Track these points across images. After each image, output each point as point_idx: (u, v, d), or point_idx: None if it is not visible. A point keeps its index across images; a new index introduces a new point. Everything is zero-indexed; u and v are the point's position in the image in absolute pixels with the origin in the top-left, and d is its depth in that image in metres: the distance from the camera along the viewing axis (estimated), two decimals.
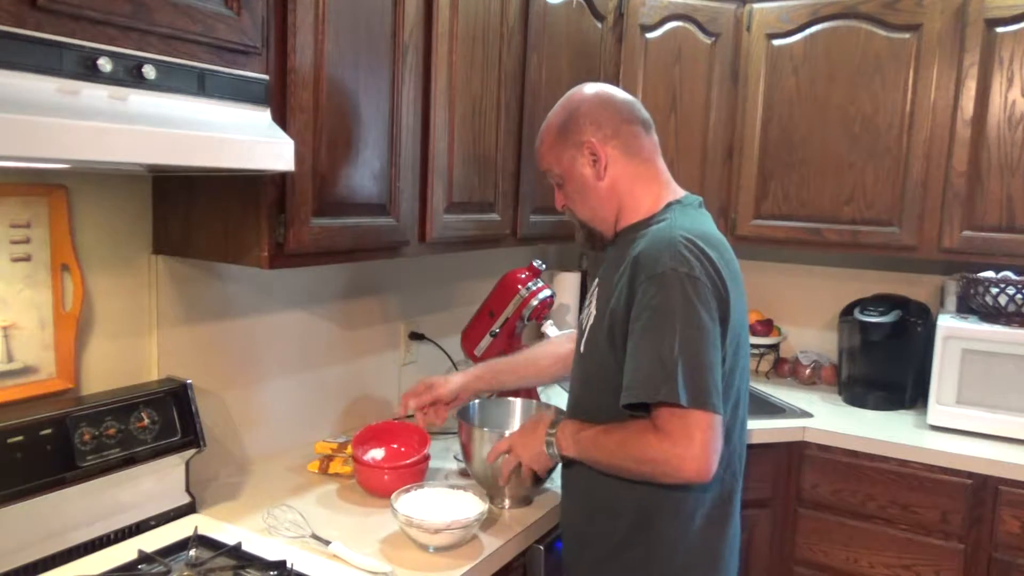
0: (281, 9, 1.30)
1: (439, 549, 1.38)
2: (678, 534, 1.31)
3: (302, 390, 1.92)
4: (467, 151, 1.80)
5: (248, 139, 1.14)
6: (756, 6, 2.53)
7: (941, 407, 2.24)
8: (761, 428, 2.23)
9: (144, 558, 1.29)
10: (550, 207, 2.11)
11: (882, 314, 2.44)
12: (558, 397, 2.29)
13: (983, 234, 2.26)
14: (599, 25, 2.35)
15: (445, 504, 1.47)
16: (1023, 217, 2.21)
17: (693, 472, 1.17)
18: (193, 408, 1.47)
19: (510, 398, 1.84)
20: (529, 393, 2.01)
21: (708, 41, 2.55)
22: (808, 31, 2.47)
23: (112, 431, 1.34)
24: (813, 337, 2.87)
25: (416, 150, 1.66)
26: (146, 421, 1.39)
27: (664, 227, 1.29)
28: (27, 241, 1.33)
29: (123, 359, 1.51)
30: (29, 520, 1.23)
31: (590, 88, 1.42)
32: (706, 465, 1.17)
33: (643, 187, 1.38)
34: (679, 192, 1.41)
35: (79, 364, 1.43)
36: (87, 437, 1.30)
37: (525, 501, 1.61)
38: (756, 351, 2.84)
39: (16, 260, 1.32)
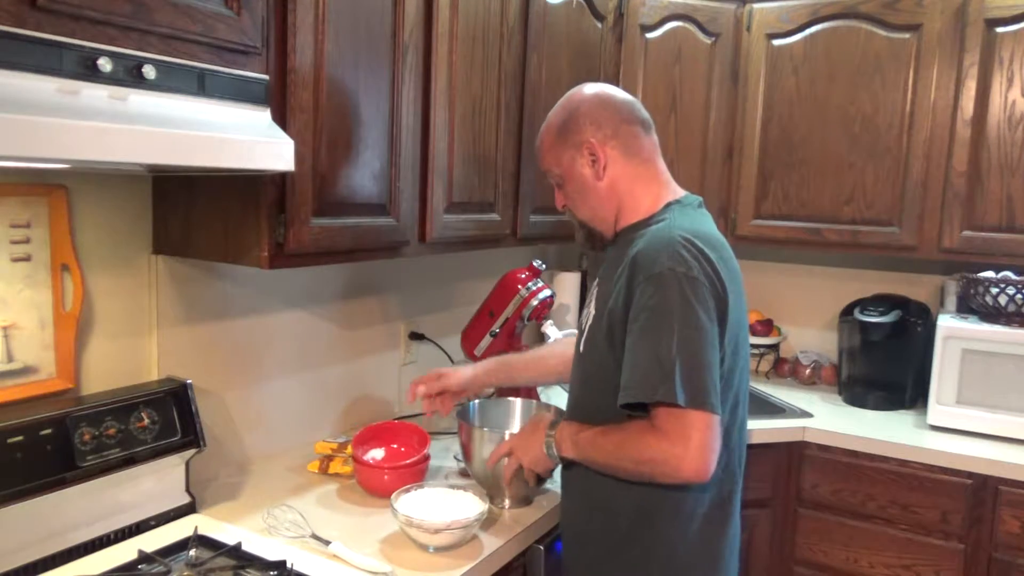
0: (281, 9, 1.30)
1: (439, 549, 1.38)
2: (677, 534, 1.31)
3: (302, 390, 1.92)
4: (467, 151, 1.80)
5: (248, 139, 1.14)
6: (756, 6, 2.53)
7: (941, 407, 2.24)
8: (761, 428, 2.23)
9: (144, 558, 1.29)
10: (550, 207, 2.11)
11: (882, 314, 2.44)
12: (558, 397, 2.29)
13: (983, 234, 2.26)
14: (599, 25, 2.35)
15: (445, 504, 1.47)
16: (1023, 217, 2.21)
17: (691, 472, 1.17)
18: (193, 408, 1.47)
19: (510, 398, 1.84)
20: (529, 393, 2.02)
21: (708, 41, 2.55)
22: (808, 31, 2.47)
23: (112, 431, 1.34)
24: (813, 337, 2.87)
25: (416, 150, 1.66)
26: (146, 421, 1.39)
27: (663, 227, 1.29)
28: (27, 241, 1.33)
29: (123, 359, 1.51)
30: (29, 520, 1.23)
31: (590, 88, 1.42)
32: (704, 465, 1.17)
33: (643, 187, 1.38)
34: (679, 192, 1.41)
35: (79, 364, 1.43)
36: (87, 437, 1.30)
37: (525, 501, 1.61)
38: (756, 351, 2.84)
39: (16, 260, 1.32)
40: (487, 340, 2.02)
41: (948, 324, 2.23)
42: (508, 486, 1.55)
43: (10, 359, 1.32)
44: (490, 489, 1.59)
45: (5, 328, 1.31)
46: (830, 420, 2.32)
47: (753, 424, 2.21)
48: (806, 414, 2.37)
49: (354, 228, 1.51)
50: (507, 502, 1.59)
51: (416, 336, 2.24)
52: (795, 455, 2.27)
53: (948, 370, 2.22)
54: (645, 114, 1.42)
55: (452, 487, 1.53)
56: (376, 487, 1.60)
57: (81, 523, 1.31)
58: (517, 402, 1.83)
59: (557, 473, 1.52)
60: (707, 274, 1.21)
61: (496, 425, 1.78)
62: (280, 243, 1.36)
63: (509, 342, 2.02)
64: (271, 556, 1.30)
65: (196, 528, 1.38)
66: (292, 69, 1.33)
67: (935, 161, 2.31)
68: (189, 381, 1.49)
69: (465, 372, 1.71)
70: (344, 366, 2.04)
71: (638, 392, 1.20)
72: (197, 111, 1.11)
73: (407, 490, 1.49)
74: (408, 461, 1.64)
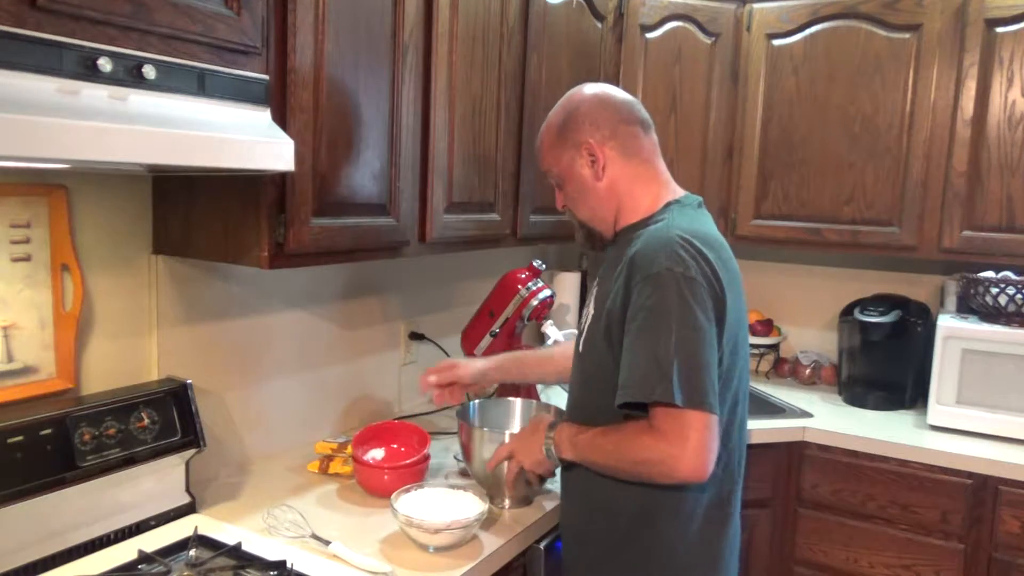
0: (281, 9, 1.30)
1: (439, 549, 1.38)
2: (677, 534, 1.31)
3: (302, 390, 1.92)
4: (467, 151, 1.80)
5: (248, 139, 1.14)
6: (756, 6, 2.53)
7: (941, 407, 2.24)
8: (761, 428, 2.23)
9: (144, 558, 1.29)
10: (550, 207, 2.11)
11: (882, 314, 2.44)
12: (558, 397, 2.29)
13: (983, 234, 2.26)
14: (599, 25, 2.35)
15: (445, 504, 1.47)
16: (1023, 217, 2.21)
17: (689, 472, 1.17)
18: (193, 408, 1.47)
19: (510, 398, 1.84)
20: (529, 393, 2.02)
21: (708, 41, 2.55)
22: (808, 31, 2.47)
23: (112, 431, 1.34)
24: (813, 337, 2.87)
25: (416, 150, 1.66)
26: (146, 421, 1.39)
27: (661, 227, 1.29)
28: (27, 241, 1.33)
29: (123, 359, 1.51)
30: (29, 520, 1.23)
31: (589, 88, 1.42)
32: (702, 465, 1.17)
33: (642, 187, 1.38)
34: (678, 192, 1.41)
35: (79, 364, 1.43)
36: (87, 437, 1.30)
37: (525, 501, 1.61)
38: (756, 351, 2.84)
39: (16, 260, 1.32)
40: (487, 340, 2.02)
41: (948, 324, 2.23)
42: (510, 488, 1.55)
43: (10, 359, 1.32)
44: (490, 489, 1.59)
45: (5, 328, 1.31)
46: (830, 420, 2.32)
47: (753, 424, 2.21)
48: (806, 414, 2.37)
49: (354, 228, 1.51)
50: (507, 502, 1.59)
51: (416, 336, 2.24)
52: (795, 455, 2.27)
53: (948, 370, 2.22)
54: (645, 114, 1.42)
55: (452, 487, 1.53)
56: (376, 487, 1.60)
57: (81, 523, 1.31)
58: (517, 402, 1.83)
59: (557, 473, 1.52)
60: (705, 274, 1.21)
61: (496, 425, 1.78)
62: (280, 243, 1.36)
63: (509, 342, 2.02)
64: (271, 556, 1.30)
65: (196, 528, 1.38)
66: (292, 69, 1.33)
67: (935, 161, 2.31)
68: (189, 381, 1.49)
69: (476, 365, 1.72)
70: (344, 366, 2.04)
71: (636, 392, 1.20)
72: (197, 111, 1.11)
73: (407, 490, 1.49)
74: (408, 461, 1.64)
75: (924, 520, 2.12)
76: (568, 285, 2.79)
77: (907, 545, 2.14)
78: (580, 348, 1.41)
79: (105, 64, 1.00)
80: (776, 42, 2.51)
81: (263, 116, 1.22)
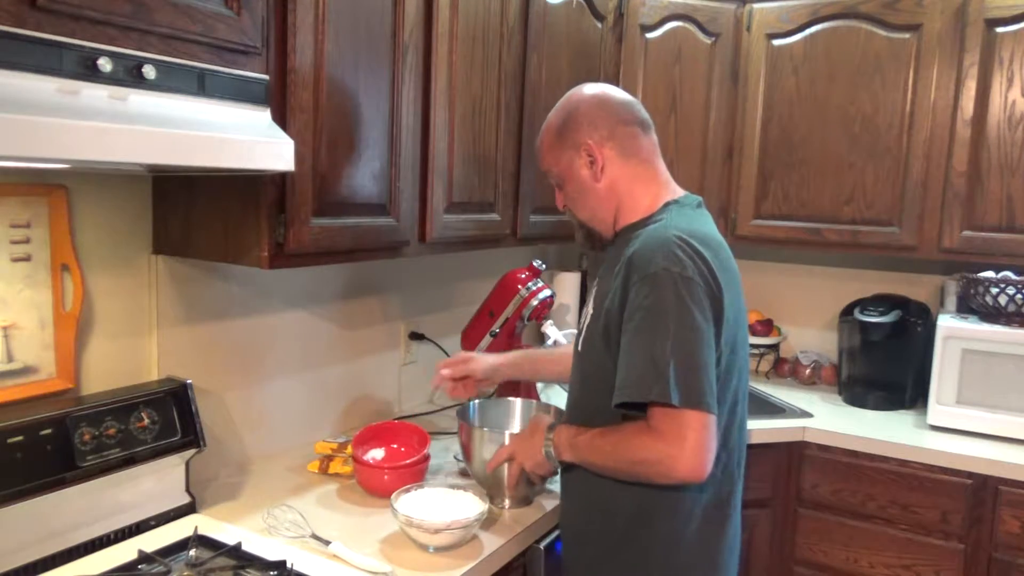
0: (281, 9, 1.30)
1: (439, 549, 1.38)
2: (675, 534, 1.31)
3: (302, 390, 1.92)
4: (467, 151, 1.80)
5: (248, 139, 1.14)
6: (756, 6, 2.53)
7: (941, 407, 2.24)
8: (761, 428, 2.23)
9: (144, 558, 1.29)
10: (550, 207, 2.12)
11: (882, 314, 2.44)
12: (558, 397, 2.29)
13: (983, 234, 2.26)
14: (599, 25, 2.35)
15: (445, 504, 1.47)
16: (1023, 217, 2.21)
17: (687, 472, 1.17)
18: (193, 408, 1.47)
19: (510, 398, 1.84)
20: (529, 392, 2.02)
21: (708, 41, 2.55)
22: (808, 31, 2.47)
23: (112, 431, 1.34)
24: (813, 337, 2.87)
25: (416, 150, 1.66)
26: (146, 421, 1.39)
27: (659, 227, 1.29)
28: (27, 241, 1.33)
29: (123, 359, 1.51)
30: (29, 520, 1.23)
31: (588, 89, 1.42)
32: (700, 465, 1.17)
33: (641, 188, 1.38)
34: (678, 192, 1.41)
35: (79, 364, 1.43)
36: (87, 437, 1.30)
37: (525, 501, 1.61)
38: (756, 351, 2.84)
39: (16, 260, 1.32)
40: (487, 340, 2.02)
41: (948, 324, 2.23)
42: (511, 489, 1.55)
43: (10, 359, 1.32)
44: (490, 489, 1.59)
45: (5, 328, 1.31)
46: (830, 420, 2.32)
47: (753, 424, 2.21)
48: (806, 414, 2.37)
49: (354, 228, 1.51)
50: (507, 502, 1.59)
51: (416, 336, 2.24)
52: (795, 455, 2.27)
53: (948, 370, 2.22)
54: (644, 114, 1.41)
55: (452, 487, 1.53)
56: (376, 487, 1.60)
57: (81, 523, 1.31)
58: (517, 402, 1.83)
59: (558, 473, 1.52)
60: (702, 273, 1.21)
61: (496, 425, 1.78)
62: (280, 243, 1.36)
63: (509, 342, 2.02)
64: (271, 556, 1.30)
65: (196, 528, 1.38)
66: (292, 69, 1.33)
67: (935, 161, 2.31)
68: (189, 381, 1.49)
69: (490, 360, 1.73)
70: (344, 366, 2.04)
71: (633, 392, 1.20)
72: (197, 111, 1.11)
73: (407, 490, 1.49)
74: (408, 461, 1.64)
75: (924, 520, 2.12)
76: (568, 285, 2.79)
77: (907, 545, 2.14)
78: (579, 348, 1.41)
79: (105, 64, 1.00)
80: (776, 42, 2.51)
81: (263, 116, 1.22)
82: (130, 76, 1.03)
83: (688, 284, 1.19)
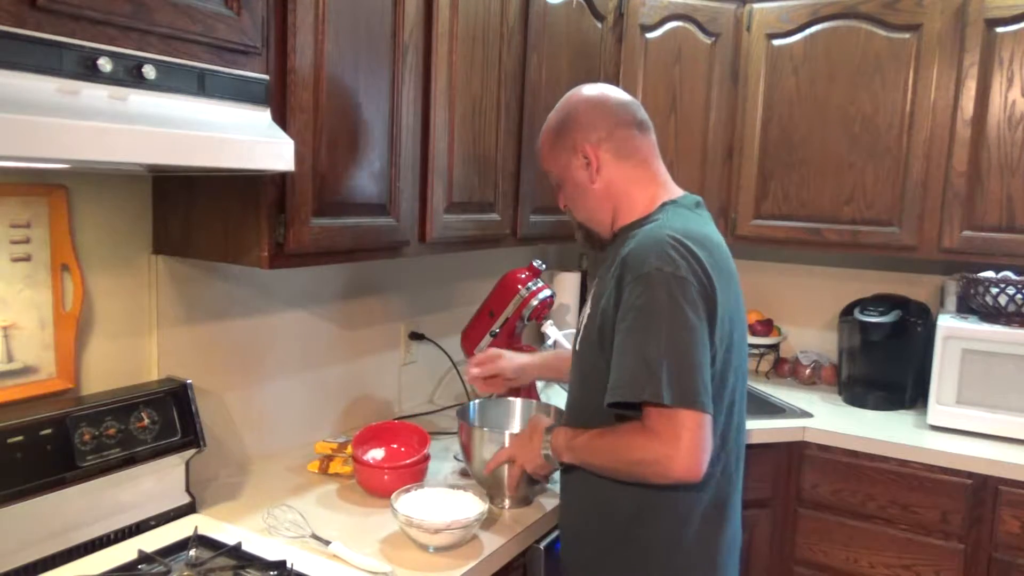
0: (281, 9, 1.30)
1: (439, 549, 1.38)
2: (674, 535, 1.31)
3: (302, 390, 1.92)
4: (467, 151, 1.80)
5: (248, 139, 1.14)
6: (756, 6, 2.53)
7: (941, 407, 2.24)
8: (761, 428, 2.23)
9: (144, 558, 1.29)
10: (550, 207, 2.12)
11: (882, 314, 2.44)
12: (558, 397, 2.29)
13: (983, 234, 2.26)
14: (599, 25, 2.35)
15: (445, 504, 1.47)
16: (1023, 217, 2.21)
17: (682, 471, 1.17)
18: (193, 408, 1.47)
19: (510, 398, 1.84)
20: (529, 393, 2.01)
21: (708, 41, 2.55)
22: (808, 31, 2.47)
23: (112, 431, 1.34)
24: (813, 337, 2.86)
25: (416, 150, 1.66)
26: (146, 421, 1.39)
27: (654, 227, 1.29)
28: (27, 241, 1.33)
29: (123, 359, 1.51)
30: (29, 520, 1.23)
31: (586, 90, 1.43)
32: (696, 465, 1.17)
33: (638, 188, 1.39)
34: (676, 192, 1.41)
35: (79, 364, 1.43)
36: (87, 437, 1.30)
37: (525, 501, 1.61)
38: (756, 351, 2.85)
39: (16, 260, 1.32)
40: (487, 340, 2.01)
41: (948, 324, 2.23)
42: (512, 490, 1.55)
43: (10, 359, 1.32)
44: (490, 489, 1.59)
45: (5, 328, 1.31)
46: (830, 420, 2.32)
47: (753, 424, 2.21)
48: (806, 414, 2.37)
49: (354, 228, 1.51)
50: (507, 502, 1.59)
51: (416, 336, 2.25)
52: (795, 455, 2.27)
53: (948, 370, 2.22)
54: (642, 115, 1.42)
55: (452, 487, 1.53)
56: (376, 487, 1.60)
57: (81, 523, 1.31)
58: (517, 402, 1.83)
59: (557, 473, 1.52)
60: (695, 273, 1.21)
61: (496, 425, 1.78)
62: (280, 243, 1.36)
63: (509, 342, 2.02)
64: (271, 556, 1.30)
65: (196, 528, 1.38)
66: (292, 69, 1.33)
67: (935, 161, 2.31)
68: (189, 381, 1.49)
69: (520, 360, 1.75)
70: (344, 366, 2.04)
71: (625, 392, 1.20)
72: (197, 111, 1.11)
73: (407, 490, 1.49)
74: (408, 461, 1.64)
75: (924, 520, 2.12)
76: (568, 285, 2.79)
77: (907, 545, 2.14)
78: (577, 347, 1.41)
79: (105, 64, 1.00)
80: (776, 42, 2.51)
81: (263, 116, 1.22)
82: (130, 76, 1.03)
83: (681, 284, 1.20)
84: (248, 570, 1.26)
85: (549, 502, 1.63)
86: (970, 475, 2.06)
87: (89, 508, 1.32)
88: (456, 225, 1.80)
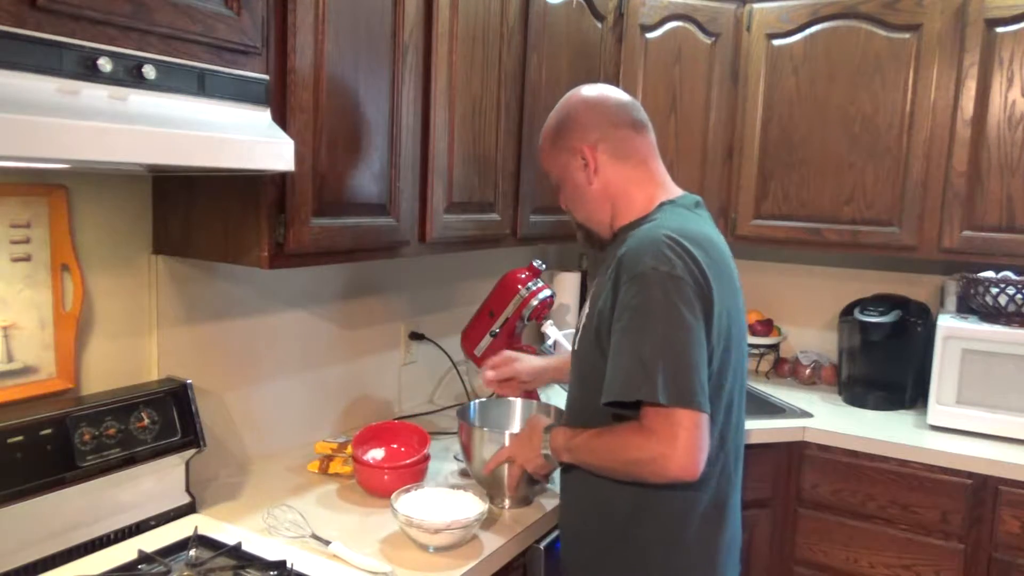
0: (281, 9, 1.30)
1: (439, 549, 1.38)
2: (673, 534, 1.31)
3: (302, 390, 1.92)
4: (467, 151, 1.80)
5: (248, 139, 1.14)
6: (756, 6, 2.53)
7: (941, 407, 2.24)
8: (761, 428, 2.23)
9: (144, 558, 1.29)
10: (550, 207, 2.12)
11: (882, 314, 2.44)
12: (558, 397, 2.29)
13: (983, 234, 2.26)
14: (599, 25, 2.35)
15: (445, 504, 1.47)
16: (1023, 217, 2.21)
17: (679, 470, 1.17)
18: (193, 408, 1.47)
19: (510, 398, 1.84)
20: (529, 393, 2.01)
21: (708, 41, 2.55)
22: (808, 31, 2.47)
23: (112, 431, 1.34)
24: (813, 337, 2.87)
25: (416, 150, 1.66)
26: (146, 421, 1.39)
27: (650, 227, 1.30)
28: (27, 241, 1.33)
29: (123, 359, 1.51)
30: (29, 520, 1.23)
31: (585, 91, 1.43)
32: (692, 464, 1.17)
33: (636, 189, 1.39)
34: (675, 192, 1.41)
35: (79, 364, 1.43)
36: (87, 437, 1.30)
37: (525, 501, 1.61)
38: (756, 351, 2.85)
39: (16, 260, 1.32)
40: (487, 340, 2.01)
41: (948, 324, 2.23)
42: (512, 490, 1.55)
43: (10, 359, 1.32)
44: (490, 489, 1.59)
45: (5, 328, 1.31)
46: (830, 420, 2.32)
47: (753, 424, 2.21)
48: (806, 414, 2.37)
49: (354, 228, 1.51)
50: (507, 502, 1.59)
51: (416, 336, 2.25)
52: (795, 455, 2.27)
53: (948, 370, 2.22)
54: (639, 115, 1.42)
55: (452, 487, 1.53)
56: (376, 487, 1.60)
57: (81, 523, 1.31)
58: (517, 402, 1.83)
59: (557, 473, 1.52)
60: (691, 272, 1.21)
61: (496, 425, 1.78)
62: (280, 243, 1.36)
63: (509, 342, 2.02)
64: (271, 556, 1.30)
65: (196, 528, 1.38)
66: (292, 69, 1.33)
67: (935, 161, 2.31)
68: (189, 381, 1.49)
69: (536, 363, 1.75)
70: (344, 366, 2.04)
71: (620, 391, 1.20)
72: (197, 111, 1.11)
73: (407, 490, 1.49)
74: (408, 461, 1.64)
75: (924, 520, 2.12)
76: (568, 285, 2.79)
77: (907, 545, 2.14)
78: (576, 347, 1.41)
79: (105, 64, 1.00)
80: (776, 42, 2.51)
81: (263, 116, 1.22)
82: (130, 76, 1.03)
83: (676, 283, 1.20)
84: (248, 570, 1.26)
85: (549, 502, 1.63)
86: (970, 475, 2.06)
87: (89, 508, 1.32)
88: (456, 225, 1.80)
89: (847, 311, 2.58)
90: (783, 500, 2.29)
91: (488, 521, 1.51)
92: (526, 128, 2.01)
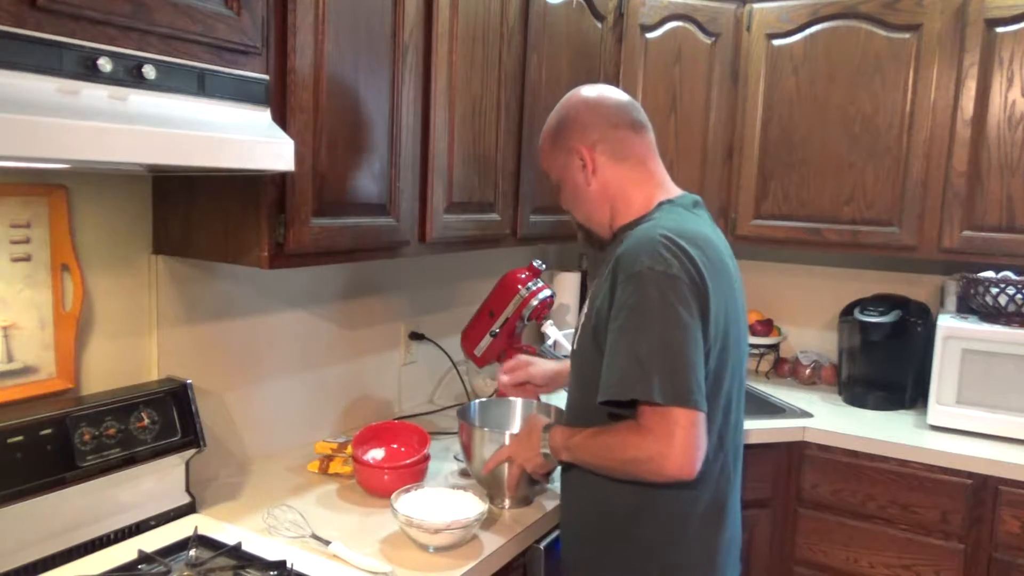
0: (281, 9, 1.30)
1: (439, 549, 1.38)
2: (673, 534, 1.31)
3: (302, 390, 1.92)
4: (467, 151, 1.81)
5: (248, 139, 1.14)
6: (756, 6, 2.53)
7: (941, 407, 2.24)
8: (761, 428, 2.23)
9: (144, 558, 1.29)
10: (550, 207, 2.12)
11: (882, 314, 2.44)
12: (558, 396, 2.29)
13: (983, 234, 2.26)
14: (599, 25, 2.35)
15: (445, 504, 1.47)
16: (1023, 217, 2.21)
17: (676, 469, 1.17)
18: (193, 408, 1.47)
19: (510, 398, 1.84)
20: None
21: (708, 41, 2.55)
22: (808, 31, 2.47)
23: (112, 431, 1.34)
24: (813, 337, 2.87)
25: (416, 150, 1.66)
26: (146, 421, 1.39)
27: (647, 227, 1.30)
28: (27, 241, 1.33)
29: (123, 359, 1.51)
30: (29, 520, 1.23)
31: (584, 91, 1.44)
32: (689, 462, 1.17)
33: (635, 189, 1.39)
34: (674, 192, 1.41)
35: (79, 364, 1.43)
36: (87, 437, 1.30)
37: (525, 501, 1.61)
38: (756, 351, 2.85)
39: (16, 260, 1.32)
40: (487, 340, 2.02)
41: (948, 324, 2.23)
42: (512, 490, 1.55)
43: (10, 359, 1.32)
44: (490, 489, 1.59)
45: (5, 328, 1.31)
46: (830, 420, 2.32)
47: (753, 424, 2.21)
48: (806, 414, 2.37)
49: (354, 228, 1.51)
50: (507, 502, 1.59)
51: (416, 336, 2.25)
52: (795, 455, 2.27)
53: (948, 370, 2.22)
54: (638, 116, 1.42)
55: (452, 487, 1.53)
56: (376, 487, 1.60)
57: (81, 523, 1.31)
58: (518, 402, 1.83)
59: (558, 473, 1.52)
60: (687, 271, 1.21)
61: (496, 425, 1.78)
62: (280, 243, 1.36)
63: (509, 342, 2.02)
64: (271, 556, 1.30)
65: (196, 528, 1.38)
66: (292, 69, 1.33)
67: (935, 161, 2.31)
68: (189, 381, 1.49)
69: (550, 367, 1.75)
70: (344, 366, 2.04)
71: (616, 390, 1.20)
72: (197, 111, 1.11)
73: (407, 490, 1.49)
74: (408, 461, 1.64)
75: (924, 520, 2.12)
76: (568, 285, 2.79)
77: (907, 545, 2.14)
78: (575, 347, 1.42)
79: (105, 64, 1.00)
80: (776, 42, 2.51)
81: (263, 116, 1.22)
82: (130, 76, 1.03)
83: (672, 282, 1.20)
84: (248, 570, 1.26)
85: (549, 502, 1.63)
86: (970, 475, 2.06)
87: (89, 508, 1.32)
88: (456, 225, 1.80)
89: (847, 311, 2.58)
90: (783, 500, 2.29)
91: (488, 521, 1.51)
92: (526, 128, 2.01)
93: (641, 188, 1.39)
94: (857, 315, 2.48)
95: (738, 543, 1.42)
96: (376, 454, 1.73)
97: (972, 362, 2.19)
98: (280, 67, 1.32)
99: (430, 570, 1.33)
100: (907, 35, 2.33)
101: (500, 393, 1.82)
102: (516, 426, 1.79)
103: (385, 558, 1.35)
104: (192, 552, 1.30)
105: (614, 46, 2.46)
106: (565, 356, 2.14)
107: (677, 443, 1.16)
